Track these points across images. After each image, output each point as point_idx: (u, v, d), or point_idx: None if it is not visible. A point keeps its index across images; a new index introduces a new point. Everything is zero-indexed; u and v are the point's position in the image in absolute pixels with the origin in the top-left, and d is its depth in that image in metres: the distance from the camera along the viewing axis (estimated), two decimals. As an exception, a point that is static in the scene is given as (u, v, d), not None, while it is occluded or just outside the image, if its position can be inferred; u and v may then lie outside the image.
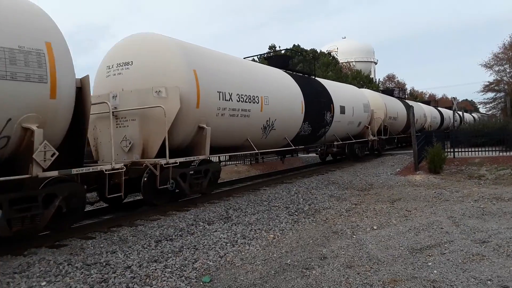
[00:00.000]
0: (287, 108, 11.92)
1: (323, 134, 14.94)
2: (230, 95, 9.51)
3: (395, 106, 23.76)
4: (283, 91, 11.95)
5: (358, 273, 4.82)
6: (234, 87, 9.72)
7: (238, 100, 9.78)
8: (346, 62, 50.17)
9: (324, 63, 38.17)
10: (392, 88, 35.74)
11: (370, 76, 51.19)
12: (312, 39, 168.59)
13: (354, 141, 17.66)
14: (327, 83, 16.01)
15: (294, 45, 39.01)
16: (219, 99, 9.17)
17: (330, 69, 36.98)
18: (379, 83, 56.37)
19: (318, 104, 13.88)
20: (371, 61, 68.87)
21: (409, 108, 24.32)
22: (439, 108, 42.22)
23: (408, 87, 68.40)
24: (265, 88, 10.98)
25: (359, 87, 28.12)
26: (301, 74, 14.70)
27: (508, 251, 5.29)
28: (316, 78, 15.60)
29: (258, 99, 10.50)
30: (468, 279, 4.48)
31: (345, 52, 59.98)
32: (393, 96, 26.47)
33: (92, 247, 6.01)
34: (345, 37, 69.94)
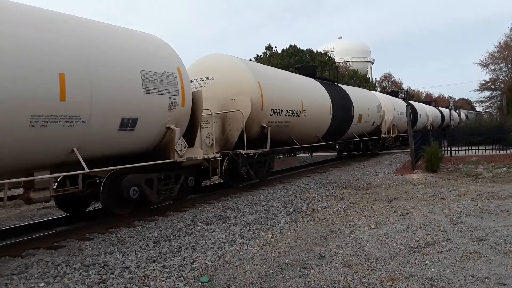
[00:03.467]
0: None
1: None
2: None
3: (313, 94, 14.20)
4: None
5: (356, 272, 4.83)
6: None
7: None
8: (342, 62, 50.29)
9: (321, 63, 38.18)
10: (313, 65, 23.37)
11: (367, 76, 51.28)
12: (309, 39, 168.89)
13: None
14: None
15: (290, 45, 39.04)
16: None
17: (327, 69, 36.99)
18: (375, 82, 56.45)
19: None
20: (368, 61, 69.11)
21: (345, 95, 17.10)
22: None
23: (405, 86, 68.62)
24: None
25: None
26: None
27: (505, 248, 5.31)
28: None
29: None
30: (466, 277, 4.50)
31: (341, 52, 60.18)
32: (316, 78, 16.14)
33: (90, 248, 6.00)
34: (341, 37, 70.22)
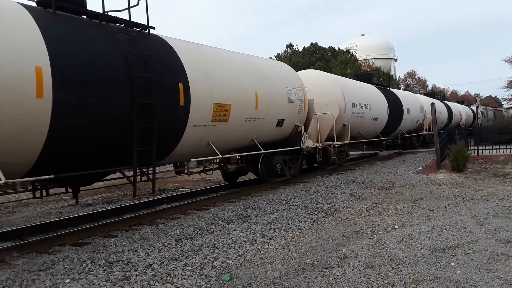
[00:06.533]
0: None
1: None
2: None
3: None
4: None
5: (379, 273, 4.76)
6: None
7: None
8: (365, 60, 49.60)
9: (343, 61, 37.79)
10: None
11: (390, 73, 50.44)
12: (331, 37, 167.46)
13: None
14: None
15: (311, 43, 38.82)
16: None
17: (349, 67, 36.59)
18: (399, 80, 55.52)
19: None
20: (391, 58, 67.89)
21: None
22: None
23: (430, 84, 67.16)
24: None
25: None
26: None
27: (535, 251, 5.14)
28: None
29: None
30: (493, 279, 4.37)
31: (364, 49, 59.32)
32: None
33: (114, 245, 6.11)
34: (363, 34, 69.15)
